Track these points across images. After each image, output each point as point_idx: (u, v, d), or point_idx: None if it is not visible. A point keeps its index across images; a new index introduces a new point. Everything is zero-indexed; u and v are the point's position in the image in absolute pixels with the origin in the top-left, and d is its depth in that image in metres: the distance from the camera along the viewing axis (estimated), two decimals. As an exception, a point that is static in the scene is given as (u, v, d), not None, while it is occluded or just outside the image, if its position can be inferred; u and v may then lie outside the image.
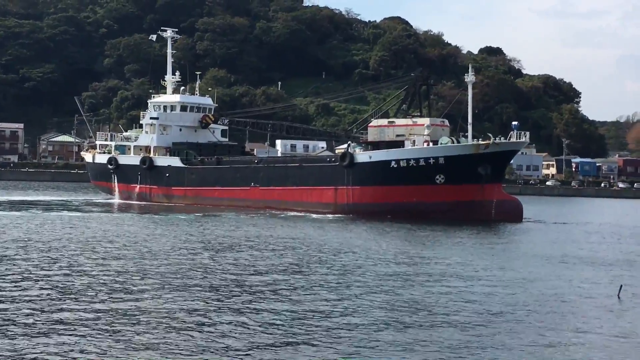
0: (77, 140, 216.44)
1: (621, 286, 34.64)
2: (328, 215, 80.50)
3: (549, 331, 26.33)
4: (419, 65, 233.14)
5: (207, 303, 28.94)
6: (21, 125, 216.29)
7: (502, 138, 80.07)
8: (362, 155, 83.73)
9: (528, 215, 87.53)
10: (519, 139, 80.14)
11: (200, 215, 75.47)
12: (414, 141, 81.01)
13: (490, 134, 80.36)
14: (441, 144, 79.31)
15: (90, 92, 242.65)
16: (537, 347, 24.18)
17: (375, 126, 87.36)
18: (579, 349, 24.19)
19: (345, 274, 37.09)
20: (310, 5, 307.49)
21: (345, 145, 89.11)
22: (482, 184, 77.65)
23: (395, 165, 79.90)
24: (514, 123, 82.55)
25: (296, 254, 44.33)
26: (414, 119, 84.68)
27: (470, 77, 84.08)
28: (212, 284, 33.23)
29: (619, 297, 33.17)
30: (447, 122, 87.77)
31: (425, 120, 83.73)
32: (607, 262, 46.08)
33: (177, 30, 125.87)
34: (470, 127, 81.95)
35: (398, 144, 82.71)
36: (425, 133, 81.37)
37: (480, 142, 79.13)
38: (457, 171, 77.29)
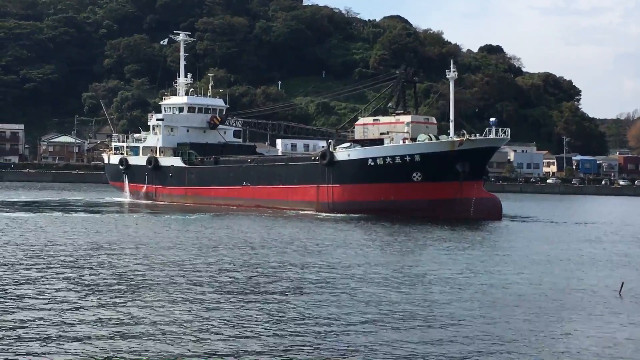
0: (77, 141, 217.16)
1: (622, 283, 34.69)
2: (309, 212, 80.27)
3: (551, 328, 26.47)
4: (419, 64, 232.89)
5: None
6: (21, 126, 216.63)
7: (478, 135, 79.15)
8: (342, 154, 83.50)
9: (522, 213, 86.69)
10: (499, 135, 79.05)
11: (172, 217, 75.49)
12: (392, 138, 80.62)
13: (464, 131, 79.56)
14: (418, 141, 78.59)
15: (90, 93, 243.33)
16: (539, 343, 24.31)
17: (360, 124, 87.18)
18: (581, 345, 24.35)
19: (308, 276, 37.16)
20: (310, 4, 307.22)
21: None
22: (460, 181, 76.87)
23: (372, 163, 79.47)
24: (492, 119, 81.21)
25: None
26: (397, 117, 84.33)
27: (451, 74, 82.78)
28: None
29: (620, 294, 33.31)
30: (433, 120, 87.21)
31: (407, 118, 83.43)
32: (604, 261, 45.62)
33: (189, 33, 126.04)
34: (452, 124, 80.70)
35: (381, 142, 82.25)
36: (405, 130, 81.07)
37: (455, 138, 78.37)
38: (434, 169, 76.54)
